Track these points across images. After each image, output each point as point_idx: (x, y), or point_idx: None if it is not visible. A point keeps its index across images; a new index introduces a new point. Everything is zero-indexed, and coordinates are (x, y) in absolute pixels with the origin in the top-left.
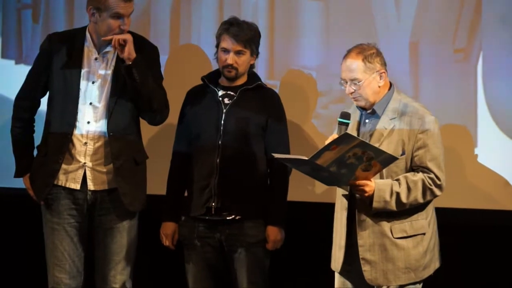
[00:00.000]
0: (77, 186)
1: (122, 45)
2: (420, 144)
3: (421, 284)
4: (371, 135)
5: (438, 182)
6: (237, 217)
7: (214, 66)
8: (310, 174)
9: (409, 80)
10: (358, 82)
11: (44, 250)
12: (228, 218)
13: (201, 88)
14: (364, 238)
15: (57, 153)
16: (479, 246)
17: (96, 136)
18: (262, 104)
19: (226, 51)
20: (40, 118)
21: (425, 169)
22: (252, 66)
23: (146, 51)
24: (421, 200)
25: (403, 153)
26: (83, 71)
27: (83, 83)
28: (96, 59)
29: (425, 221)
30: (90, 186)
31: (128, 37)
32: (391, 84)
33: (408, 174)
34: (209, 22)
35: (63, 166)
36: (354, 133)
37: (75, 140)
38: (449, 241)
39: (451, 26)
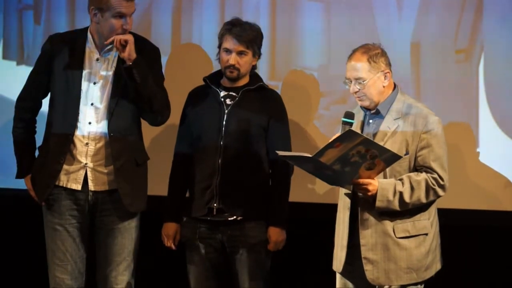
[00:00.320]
0: (79, 187)
1: (123, 45)
2: (424, 144)
3: (423, 285)
4: (375, 135)
5: (441, 182)
6: (239, 218)
7: (216, 66)
8: (313, 172)
9: (411, 81)
10: (363, 81)
11: (45, 251)
12: (229, 219)
13: (203, 88)
14: (367, 237)
15: (58, 153)
16: (481, 247)
17: (97, 136)
18: (264, 105)
19: (228, 51)
20: (41, 119)
21: (429, 169)
22: (254, 67)
23: (147, 51)
24: (424, 200)
25: (406, 153)
26: (85, 72)
27: (84, 84)
28: (97, 60)
29: (428, 221)
30: (91, 186)
31: (129, 37)
32: (395, 85)
33: (412, 174)
34: (210, 23)
35: (65, 166)
36: None
37: (76, 141)
38: (450, 242)
39: (452, 27)
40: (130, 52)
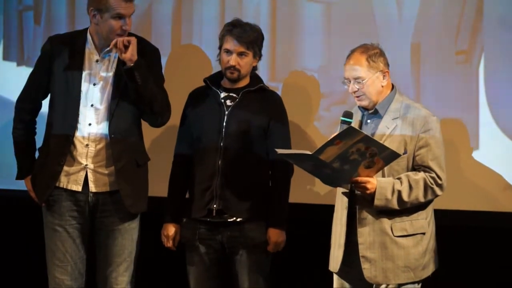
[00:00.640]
0: (79, 188)
1: (126, 46)
2: (422, 144)
3: (420, 285)
4: (373, 135)
5: (439, 182)
6: (239, 219)
7: (215, 67)
8: (312, 171)
9: (411, 82)
10: (362, 81)
11: (45, 252)
12: (229, 220)
13: (203, 90)
14: (365, 236)
15: (58, 155)
16: (481, 248)
17: (97, 138)
18: (264, 106)
19: (229, 52)
20: (41, 120)
21: (427, 169)
22: (254, 68)
23: (147, 52)
24: (422, 199)
25: (405, 152)
26: (84, 73)
27: (84, 85)
28: (97, 61)
29: (425, 221)
30: (92, 188)
31: (133, 39)
32: (393, 86)
33: (410, 173)
34: (210, 24)
35: (65, 168)
36: None
37: (76, 142)
38: (450, 243)
39: (452, 28)
40: (132, 53)
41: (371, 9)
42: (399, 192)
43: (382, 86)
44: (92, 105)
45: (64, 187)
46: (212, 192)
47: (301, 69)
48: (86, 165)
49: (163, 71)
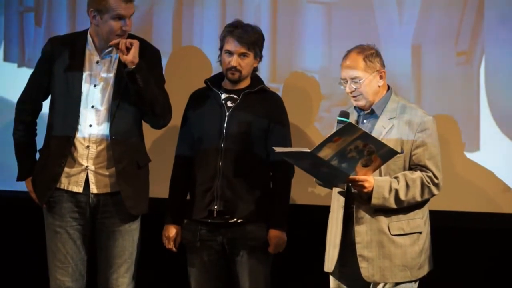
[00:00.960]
0: (80, 189)
1: (128, 48)
2: (419, 143)
3: (417, 284)
4: None
5: (436, 181)
6: (239, 220)
7: (216, 68)
8: (310, 170)
9: (412, 83)
10: (359, 81)
11: (46, 253)
12: (230, 221)
13: (204, 91)
14: (362, 235)
15: (59, 156)
16: (482, 248)
17: (98, 139)
18: (265, 108)
19: (230, 53)
20: (42, 121)
21: (423, 168)
22: (255, 69)
23: (148, 54)
24: (419, 198)
25: (401, 152)
26: (85, 74)
27: (85, 86)
28: (97, 62)
29: (422, 220)
30: (93, 189)
31: (135, 41)
32: (388, 86)
33: (407, 172)
34: (211, 25)
35: (66, 169)
36: None
37: (77, 144)
38: (450, 244)
39: (453, 29)
40: (134, 55)
41: (371, 11)
42: (396, 191)
43: (379, 86)
44: (92, 107)
45: (65, 188)
46: (213, 193)
47: (302, 70)
48: (87, 166)
49: (163, 72)
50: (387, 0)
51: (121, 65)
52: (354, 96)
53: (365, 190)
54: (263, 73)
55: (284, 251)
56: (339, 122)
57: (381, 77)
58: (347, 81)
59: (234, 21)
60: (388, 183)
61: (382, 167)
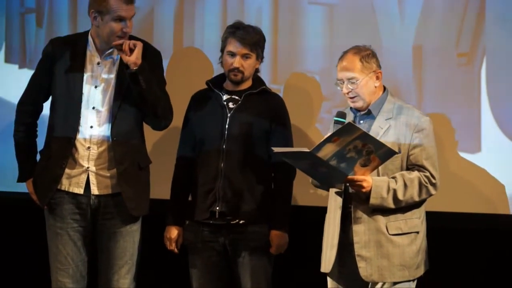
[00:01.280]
0: (81, 191)
1: (131, 49)
2: (416, 143)
3: (415, 283)
4: None
5: (433, 181)
6: (241, 222)
7: (217, 70)
8: (308, 171)
9: (413, 84)
10: (356, 81)
11: (47, 255)
12: (232, 222)
13: (206, 92)
14: (360, 235)
15: (60, 157)
16: (481, 249)
17: (99, 140)
18: (266, 109)
19: (232, 54)
20: (43, 122)
21: (421, 168)
22: (257, 70)
23: (149, 55)
24: (417, 198)
25: (399, 152)
26: (86, 76)
27: (85, 88)
28: (98, 63)
29: (419, 220)
30: (94, 190)
31: (139, 43)
32: (384, 87)
33: (404, 172)
34: (212, 26)
35: (66, 170)
36: None
37: (78, 145)
38: (447, 245)
39: (454, 30)
40: (137, 57)
41: (372, 12)
42: (395, 191)
43: (375, 87)
44: (93, 108)
45: (66, 189)
46: (215, 195)
47: (303, 71)
48: (88, 167)
49: (164, 73)
50: (388, 1)
51: (123, 66)
52: (350, 97)
53: (364, 190)
54: (264, 74)
55: (286, 252)
56: (336, 122)
57: (377, 78)
58: (343, 82)
59: (235, 22)
60: (386, 183)
61: (379, 167)
